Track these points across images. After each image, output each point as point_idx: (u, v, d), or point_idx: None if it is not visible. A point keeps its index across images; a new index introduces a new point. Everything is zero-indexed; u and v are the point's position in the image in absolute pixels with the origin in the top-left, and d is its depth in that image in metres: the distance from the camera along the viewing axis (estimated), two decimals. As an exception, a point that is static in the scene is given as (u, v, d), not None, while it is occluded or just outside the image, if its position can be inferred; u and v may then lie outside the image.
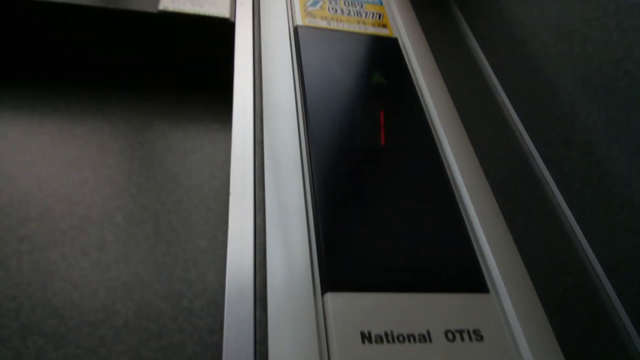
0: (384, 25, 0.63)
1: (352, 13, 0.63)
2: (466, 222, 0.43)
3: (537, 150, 0.52)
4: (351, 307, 0.35)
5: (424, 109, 0.53)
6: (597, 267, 0.44)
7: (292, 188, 0.41)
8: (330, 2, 0.63)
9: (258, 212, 0.40)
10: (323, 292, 0.36)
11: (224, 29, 0.58)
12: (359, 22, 0.61)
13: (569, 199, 0.48)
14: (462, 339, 0.36)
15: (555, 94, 0.50)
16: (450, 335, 0.36)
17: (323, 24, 0.59)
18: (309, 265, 0.37)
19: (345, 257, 0.38)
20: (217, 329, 0.42)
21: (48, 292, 0.42)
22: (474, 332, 0.36)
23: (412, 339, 0.35)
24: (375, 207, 0.42)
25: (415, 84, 0.56)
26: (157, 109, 0.59)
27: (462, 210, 0.44)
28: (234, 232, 0.38)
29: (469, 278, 0.39)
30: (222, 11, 0.58)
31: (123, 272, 0.44)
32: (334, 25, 0.60)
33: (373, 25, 0.62)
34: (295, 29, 0.58)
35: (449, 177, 0.47)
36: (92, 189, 0.50)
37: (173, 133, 0.57)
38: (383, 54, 0.59)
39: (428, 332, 0.35)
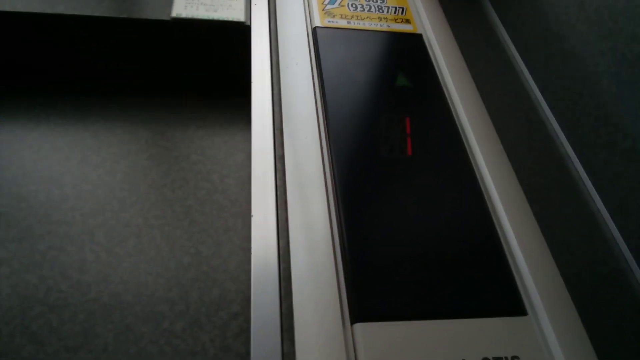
0: (408, 21, 0.59)
1: (372, 9, 0.59)
2: (501, 238, 0.41)
3: (576, 154, 0.49)
4: (382, 338, 0.34)
5: (453, 112, 0.50)
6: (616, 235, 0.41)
7: (316, 208, 0.40)
8: (349, -1, 0.60)
9: (281, 236, 0.38)
10: (352, 322, 0.34)
11: (239, 32, 0.56)
12: (380, 19, 0.58)
13: (611, 207, 0.44)
14: (500, 367, 0.34)
15: (596, 94, 0.46)
16: (487, 364, 0.34)
17: (343, 23, 0.57)
18: (337, 293, 0.35)
19: (374, 284, 0.36)
20: (199, 350, 0.41)
21: (27, 317, 0.42)
22: (513, 358, 0.35)
23: (446, 369, 0.33)
24: (404, 226, 0.40)
25: (442, 84, 0.53)
26: (179, 119, 0.58)
27: (496, 225, 0.42)
28: (258, 258, 0.37)
29: (505, 300, 0.37)
30: (237, 15, 0.56)
31: (103, 293, 0.43)
32: (354, 24, 0.57)
33: (396, 20, 0.59)
34: (314, 30, 0.55)
35: (482, 188, 0.44)
36: (72, 207, 0.49)
37: (190, 142, 0.56)
38: (407, 52, 0.56)
39: (464, 361, 0.34)
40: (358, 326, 0.34)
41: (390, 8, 0.60)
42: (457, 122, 0.49)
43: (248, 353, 0.36)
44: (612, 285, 0.41)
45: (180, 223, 0.49)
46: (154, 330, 0.42)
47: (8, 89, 0.58)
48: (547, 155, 0.50)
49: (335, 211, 0.40)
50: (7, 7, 0.53)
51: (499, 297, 0.38)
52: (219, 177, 0.53)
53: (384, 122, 0.48)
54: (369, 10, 0.59)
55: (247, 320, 0.42)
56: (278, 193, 0.42)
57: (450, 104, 0.51)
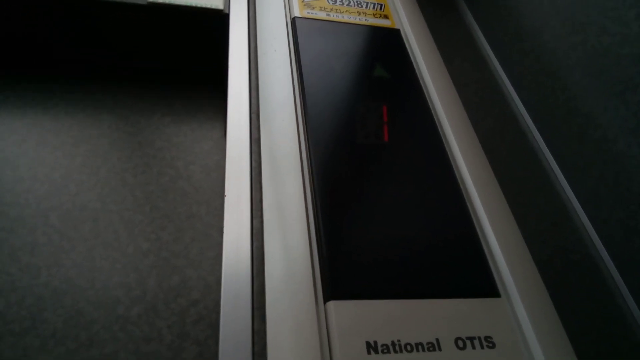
0: (386, 16, 0.60)
1: (352, 3, 0.60)
2: (475, 223, 0.41)
3: (548, 146, 0.50)
4: (355, 316, 0.33)
5: (429, 103, 0.51)
6: (611, 268, 0.42)
7: (291, 189, 0.39)
8: (329, -8, 0.60)
9: (255, 215, 0.38)
10: (325, 300, 0.34)
11: (217, 21, 0.55)
12: (359, 13, 0.59)
13: (582, 197, 0.45)
14: (473, 347, 0.34)
15: (568, 87, 0.47)
16: (460, 343, 0.34)
17: (322, 15, 0.57)
18: (310, 272, 0.35)
19: (348, 263, 0.36)
20: (155, 337, 0.40)
21: None
22: (486, 338, 0.34)
23: (420, 348, 0.33)
24: (379, 208, 0.40)
25: (419, 77, 0.54)
26: (144, 104, 0.57)
27: (470, 210, 0.42)
28: (230, 237, 0.36)
29: (479, 282, 0.37)
30: (215, 2, 0.56)
31: (54, 277, 0.42)
32: (333, 17, 0.57)
33: (374, 16, 0.59)
34: (293, 21, 0.55)
35: (457, 175, 0.44)
36: (26, 189, 0.47)
37: (156, 128, 0.55)
38: (385, 45, 0.56)
39: (437, 341, 0.33)
40: (331, 304, 0.33)
41: (370, 3, 0.61)
42: (433, 113, 0.50)
43: (207, 339, 0.35)
44: (582, 270, 0.41)
45: (140, 208, 0.47)
46: (108, 316, 0.40)
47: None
48: (520, 147, 0.51)
49: (311, 193, 0.40)
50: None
51: (473, 279, 0.38)
52: (183, 164, 0.52)
53: (362, 109, 0.48)
54: (348, 5, 0.60)
55: (207, 307, 0.41)
56: (253, 174, 0.41)
57: (426, 96, 0.52)
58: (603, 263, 0.42)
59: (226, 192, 0.39)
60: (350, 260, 0.36)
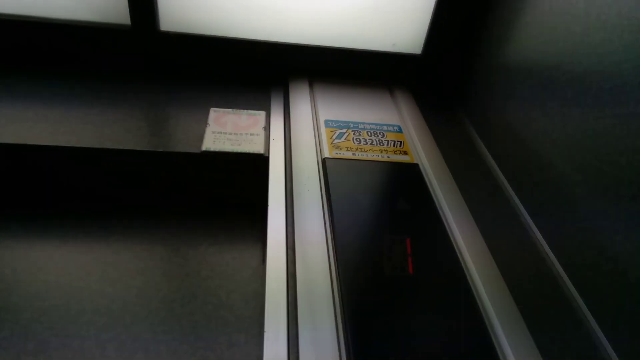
0: (405, 152, 0.68)
1: (374, 142, 0.68)
2: (499, 355, 0.43)
3: (566, 272, 0.52)
4: None
5: (449, 233, 0.56)
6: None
7: (325, 326, 0.43)
8: (354, 134, 0.69)
9: (292, 352, 0.41)
10: None
11: (259, 163, 0.64)
12: (381, 151, 0.67)
13: (605, 326, 0.47)
14: None
15: (579, 218, 0.52)
16: None
17: (348, 154, 0.65)
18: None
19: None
20: None
21: None
22: None
23: None
24: (407, 338, 0.43)
25: (438, 207, 0.59)
26: (193, 236, 0.64)
27: (494, 341, 0.44)
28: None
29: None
30: (257, 148, 0.65)
31: None
32: (358, 156, 0.65)
33: (395, 152, 0.67)
34: (324, 161, 0.63)
35: (479, 306, 0.47)
36: (87, 321, 0.52)
37: (202, 258, 0.61)
38: (405, 179, 0.63)
39: None
40: None
41: (390, 141, 0.69)
42: (453, 243, 0.54)
43: None
44: None
45: (186, 338, 0.51)
46: None
47: (42, 209, 0.66)
48: (540, 274, 0.53)
49: (343, 330, 0.43)
50: (62, 142, 0.62)
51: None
52: (225, 292, 0.57)
53: (387, 242, 0.53)
54: (371, 144, 0.68)
55: None
56: (289, 309, 0.45)
57: (446, 226, 0.57)
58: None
59: (265, 329, 0.43)
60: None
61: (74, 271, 0.57)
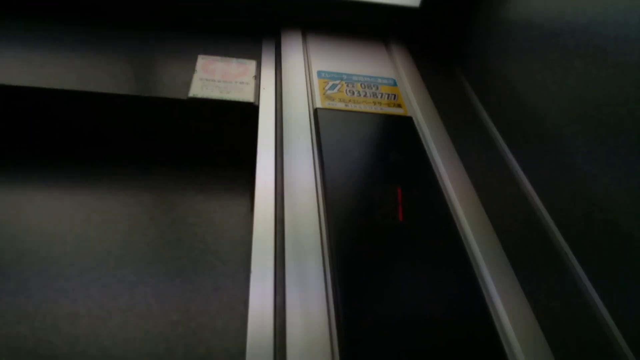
0: (399, 105, 0.66)
1: (368, 95, 0.67)
2: (487, 300, 0.43)
3: (557, 225, 0.52)
4: (372, 392, 0.34)
5: (440, 184, 0.55)
6: (623, 345, 0.42)
7: (312, 268, 0.42)
8: (347, 86, 0.67)
9: (278, 292, 0.41)
10: (343, 376, 0.35)
11: (248, 112, 0.62)
12: (374, 103, 0.65)
13: (592, 274, 0.47)
14: None
15: (571, 172, 0.51)
16: None
17: (341, 105, 0.63)
18: (329, 346, 0.37)
19: (366, 338, 0.37)
20: None
21: None
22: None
23: None
24: (396, 284, 0.42)
25: (430, 160, 0.58)
26: (181, 183, 0.63)
27: (482, 288, 0.44)
28: (254, 312, 0.39)
29: (488, 353, 0.38)
30: (247, 96, 0.63)
31: (92, 347, 0.44)
32: (351, 107, 0.63)
33: (388, 105, 0.66)
34: (315, 111, 0.62)
35: (468, 253, 0.47)
36: (70, 262, 0.51)
37: (189, 205, 0.60)
38: (398, 132, 0.62)
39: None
40: (349, 380, 0.35)
41: (384, 94, 0.68)
42: (445, 194, 0.54)
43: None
44: (596, 349, 0.42)
45: (172, 282, 0.51)
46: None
47: (25, 152, 0.63)
48: (530, 226, 0.53)
49: (331, 270, 0.43)
50: (44, 85, 0.60)
51: (486, 357, 0.39)
52: (212, 239, 0.56)
53: (378, 190, 0.52)
54: (364, 96, 0.66)
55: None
56: (277, 252, 0.44)
57: (438, 178, 0.56)
58: (616, 340, 0.43)
59: (252, 269, 0.42)
60: (368, 335, 0.38)
61: (56, 215, 0.56)
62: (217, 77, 0.66)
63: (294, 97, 0.64)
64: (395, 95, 0.68)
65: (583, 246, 0.49)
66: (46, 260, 0.51)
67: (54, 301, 0.47)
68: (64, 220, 0.55)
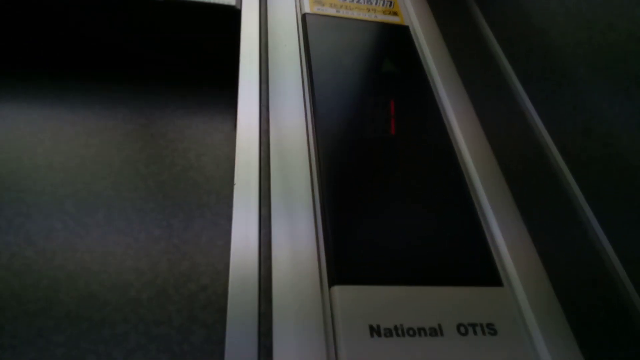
0: (395, 13, 0.61)
1: (361, 0, 0.61)
2: (479, 214, 0.42)
3: (553, 140, 0.50)
4: (359, 301, 0.34)
5: (436, 98, 0.52)
6: (615, 260, 0.42)
7: (298, 178, 0.40)
8: (339, -10, 0.61)
9: (263, 203, 0.39)
10: (330, 284, 0.34)
11: (229, 16, 0.57)
12: (369, 10, 0.60)
13: (586, 191, 0.46)
14: (475, 333, 0.34)
15: (574, 83, 0.48)
16: (462, 329, 0.34)
17: (331, 11, 0.58)
18: (316, 257, 0.36)
19: (353, 249, 0.36)
20: (165, 320, 0.41)
21: None
22: (487, 325, 0.35)
23: (422, 333, 0.33)
24: (385, 198, 0.41)
25: (427, 72, 0.55)
26: (159, 97, 0.58)
27: (475, 202, 0.43)
28: (238, 223, 0.37)
29: (482, 271, 0.38)
30: (228, -1, 0.57)
31: (69, 261, 0.43)
32: (342, 13, 0.58)
33: (384, 12, 0.60)
34: (303, 17, 0.56)
35: (462, 168, 0.45)
36: (42, 176, 0.48)
37: (169, 120, 0.56)
38: (394, 42, 0.57)
39: (439, 326, 0.34)
40: (335, 288, 0.34)
41: (379, 0, 0.62)
42: (440, 107, 0.51)
43: (215, 323, 0.36)
44: (585, 262, 0.42)
45: (153, 197, 0.49)
46: (120, 299, 0.41)
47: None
48: (526, 141, 0.51)
49: (318, 182, 0.41)
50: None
51: (476, 268, 0.38)
52: (195, 155, 0.53)
53: (369, 102, 0.49)
54: (357, 2, 0.61)
55: (216, 293, 0.42)
56: (262, 164, 0.42)
57: (434, 91, 0.53)
58: (606, 254, 0.42)
59: (235, 181, 0.40)
60: (355, 246, 0.37)
61: (24, 126, 0.52)
62: (194, -22, 0.59)
63: (279, 0, 0.58)
64: (391, 2, 0.62)
65: (578, 161, 0.47)
66: (16, 173, 0.48)
67: (27, 215, 0.45)
68: (34, 133, 0.52)
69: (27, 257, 0.43)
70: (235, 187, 0.40)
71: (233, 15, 0.57)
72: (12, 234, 0.44)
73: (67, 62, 0.59)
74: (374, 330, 0.33)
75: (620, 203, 0.42)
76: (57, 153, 0.50)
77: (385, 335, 0.33)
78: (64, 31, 0.59)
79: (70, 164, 0.49)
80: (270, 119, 0.46)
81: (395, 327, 0.33)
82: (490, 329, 0.35)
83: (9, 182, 0.47)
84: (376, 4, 0.61)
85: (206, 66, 0.63)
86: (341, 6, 0.59)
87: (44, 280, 0.41)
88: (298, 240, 0.37)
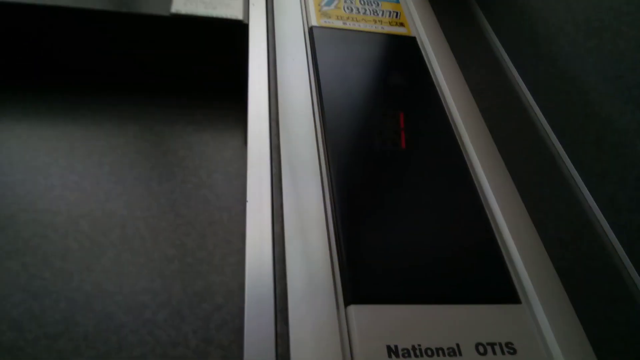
0: (402, 24, 0.61)
1: (368, 12, 0.61)
2: (494, 230, 0.41)
3: (566, 151, 0.50)
4: (376, 320, 0.33)
5: (445, 109, 0.51)
6: (634, 274, 0.42)
7: (311, 195, 0.40)
8: (345, 2, 0.61)
9: (276, 221, 0.38)
10: (346, 304, 0.34)
11: (237, 30, 0.57)
12: (375, 22, 0.60)
13: (601, 202, 0.45)
14: (494, 353, 0.34)
15: (585, 92, 0.47)
16: (481, 349, 0.34)
17: (338, 24, 0.58)
18: (331, 276, 0.35)
19: (368, 267, 0.36)
20: (181, 341, 0.40)
21: (7, 304, 0.41)
22: (506, 345, 0.34)
23: (441, 353, 0.33)
24: (399, 214, 0.40)
25: (435, 83, 0.54)
26: (167, 113, 0.58)
27: (489, 216, 0.42)
28: (252, 242, 0.37)
29: (499, 288, 0.37)
30: (235, 13, 0.57)
31: (86, 282, 0.43)
32: (349, 25, 0.58)
33: (390, 24, 0.60)
34: (310, 30, 0.56)
35: (475, 181, 0.45)
36: (57, 196, 0.49)
37: (179, 137, 0.56)
38: (401, 53, 0.57)
39: (458, 346, 0.33)
40: (352, 308, 0.33)
41: (385, 12, 0.62)
42: (449, 119, 0.50)
43: (231, 344, 0.36)
44: (603, 277, 0.41)
45: (165, 215, 0.48)
46: (136, 320, 0.41)
47: (1, 82, 0.58)
48: (538, 152, 0.51)
49: (330, 198, 0.40)
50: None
51: (493, 285, 0.38)
52: (206, 172, 0.53)
53: (378, 116, 0.48)
54: (364, 13, 0.60)
55: (230, 313, 0.42)
56: (273, 181, 0.42)
57: (443, 102, 0.52)
58: (625, 269, 0.42)
59: (248, 198, 0.40)
60: (370, 264, 0.36)
61: (38, 146, 0.52)
62: (200, -8, 0.59)
63: (286, 13, 0.58)
64: (397, 13, 0.62)
65: (591, 171, 0.46)
66: (32, 192, 0.48)
67: (44, 236, 0.45)
68: (48, 152, 0.52)
69: (45, 278, 0.42)
70: (248, 205, 0.39)
71: (240, 30, 0.57)
72: (30, 255, 0.44)
73: (77, 80, 0.60)
74: (392, 351, 0.32)
75: (637, 214, 0.42)
76: (72, 172, 0.50)
77: (403, 356, 0.32)
78: (74, 49, 0.59)
79: (85, 183, 0.49)
80: (281, 134, 0.46)
81: (413, 348, 0.33)
82: (510, 348, 0.34)
83: (25, 203, 0.47)
84: (382, 15, 0.61)
85: (215, 81, 0.63)
86: (348, 18, 0.59)
87: (62, 302, 0.41)
88: (312, 258, 0.36)
